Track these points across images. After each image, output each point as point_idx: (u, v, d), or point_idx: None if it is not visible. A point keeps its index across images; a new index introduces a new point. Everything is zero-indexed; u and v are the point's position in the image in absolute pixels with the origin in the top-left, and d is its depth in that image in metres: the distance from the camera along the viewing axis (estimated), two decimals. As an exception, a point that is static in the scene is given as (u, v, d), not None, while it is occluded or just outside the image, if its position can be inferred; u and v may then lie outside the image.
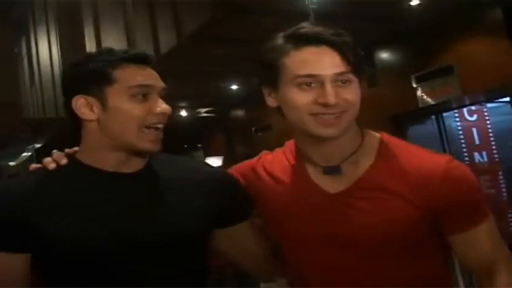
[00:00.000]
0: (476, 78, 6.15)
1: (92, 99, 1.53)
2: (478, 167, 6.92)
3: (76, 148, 1.64)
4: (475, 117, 7.07)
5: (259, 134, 9.37)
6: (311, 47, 1.44)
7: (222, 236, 1.70)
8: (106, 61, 1.53)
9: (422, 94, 6.80)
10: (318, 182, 1.55)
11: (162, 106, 1.54)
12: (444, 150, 7.22)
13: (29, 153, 13.02)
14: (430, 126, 7.22)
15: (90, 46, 9.75)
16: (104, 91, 1.52)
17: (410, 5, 5.77)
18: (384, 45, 7.25)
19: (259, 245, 1.76)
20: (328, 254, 1.53)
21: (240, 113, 10.62)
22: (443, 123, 7.13)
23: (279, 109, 1.55)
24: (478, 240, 1.49)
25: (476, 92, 6.35)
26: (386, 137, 1.57)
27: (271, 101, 1.55)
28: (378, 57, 7.39)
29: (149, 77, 1.55)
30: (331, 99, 1.40)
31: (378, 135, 1.57)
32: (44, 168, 1.59)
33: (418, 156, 1.50)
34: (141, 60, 1.56)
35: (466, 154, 7.05)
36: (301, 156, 1.60)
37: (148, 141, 1.53)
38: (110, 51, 1.59)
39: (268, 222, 1.67)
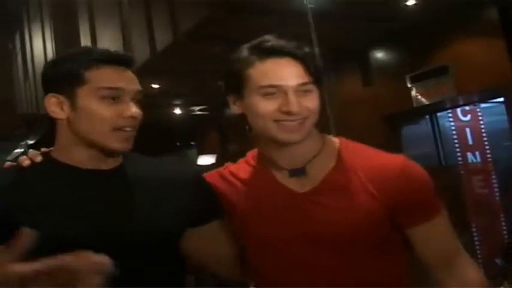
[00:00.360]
0: (471, 78, 6.20)
1: (62, 98, 1.53)
2: (471, 167, 6.96)
3: (48, 150, 1.64)
4: (468, 117, 7.10)
5: (252, 132, 9.37)
6: (275, 59, 1.52)
7: (192, 236, 1.69)
8: (79, 61, 1.53)
9: (417, 94, 6.84)
10: (285, 183, 1.62)
11: (132, 110, 1.53)
12: (437, 150, 7.27)
13: (22, 150, 13.01)
14: (424, 126, 7.27)
15: (85, 43, 9.74)
16: (75, 91, 1.52)
17: (406, 4, 5.81)
18: (380, 44, 7.29)
19: (228, 246, 1.77)
20: (298, 253, 1.57)
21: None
22: (437, 123, 7.18)
23: (242, 116, 1.62)
24: (434, 233, 1.57)
25: (470, 92, 6.40)
26: (345, 140, 1.66)
27: (235, 109, 1.62)
28: (373, 56, 7.43)
29: (122, 79, 1.54)
30: (294, 108, 1.48)
31: (337, 139, 1.66)
32: (18, 166, 1.58)
33: (376, 156, 1.60)
34: (117, 61, 1.55)
35: (459, 154, 7.08)
36: (265, 162, 1.67)
37: (118, 142, 1.53)
38: (89, 51, 1.58)
39: (237, 226, 1.71)
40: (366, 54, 7.27)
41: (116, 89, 1.52)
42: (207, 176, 1.77)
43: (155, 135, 8.05)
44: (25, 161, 1.57)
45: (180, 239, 1.65)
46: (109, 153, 1.56)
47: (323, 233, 1.54)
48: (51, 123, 1.58)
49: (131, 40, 8.00)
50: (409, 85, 6.86)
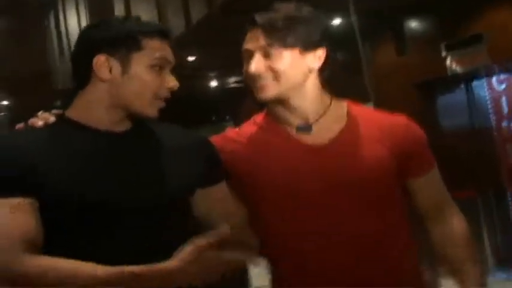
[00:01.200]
0: (506, 46, 6.15)
1: (113, 61, 1.58)
2: (505, 132, 6.92)
3: (60, 111, 1.69)
4: (504, 85, 7.03)
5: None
6: (251, 29, 1.75)
7: (202, 197, 1.76)
8: (137, 27, 1.60)
9: (452, 63, 6.79)
10: (299, 138, 1.77)
11: (174, 82, 1.64)
12: (472, 119, 7.23)
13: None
14: (458, 95, 7.20)
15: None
16: (130, 56, 1.58)
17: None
18: (414, 13, 7.24)
19: (236, 206, 1.82)
20: (320, 201, 1.70)
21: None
22: (473, 92, 7.12)
23: None
24: (432, 183, 1.82)
25: (505, 61, 6.35)
26: (352, 102, 1.85)
27: None
28: (407, 25, 7.39)
29: (169, 51, 1.64)
30: (251, 69, 1.70)
31: (342, 100, 1.85)
32: (31, 127, 1.62)
33: (382, 114, 1.83)
34: (164, 34, 1.65)
35: (494, 123, 7.04)
36: (275, 120, 1.82)
37: (154, 110, 1.62)
38: (138, 19, 1.67)
39: (247, 184, 1.80)
40: (400, 23, 7.23)
41: (165, 59, 1.61)
42: (215, 138, 1.88)
43: (190, 108, 8.14)
44: (38, 122, 1.62)
45: (187, 199, 1.72)
46: (134, 117, 1.64)
47: (341, 181, 1.69)
48: (80, 81, 1.62)
49: (166, 13, 8.07)
50: (443, 54, 6.82)
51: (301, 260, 1.74)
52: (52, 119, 1.63)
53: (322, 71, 1.79)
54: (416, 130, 1.80)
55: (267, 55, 1.70)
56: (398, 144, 1.72)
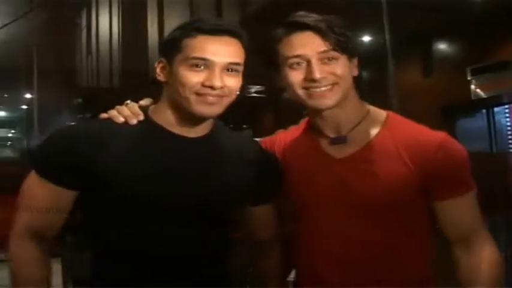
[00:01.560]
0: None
1: (165, 63, 1.65)
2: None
3: (148, 101, 1.75)
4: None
5: (309, 117, 9.41)
6: (298, 33, 1.63)
7: (253, 214, 1.81)
8: (182, 30, 1.64)
9: (476, 87, 6.88)
10: (327, 150, 1.73)
11: (213, 80, 1.59)
12: (491, 145, 7.29)
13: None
14: (479, 120, 7.26)
15: (152, 21, 10.00)
16: (173, 58, 1.63)
17: (474, -3, 5.89)
18: (443, 35, 7.36)
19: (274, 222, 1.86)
20: (332, 216, 1.70)
21: (290, 95, 10.62)
22: (493, 118, 7.18)
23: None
24: (461, 209, 1.65)
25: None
26: (394, 114, 1.74)
27: (279, 83, 1.73)
28: (435, 47, 7.49)
29: (213, 50, 1.60)
30: (316, 74, 1.59)
31: (384, 111, 1.74)
32: (112, 120, 1.68)
33: (420, 130, 1.68)
34: (218, 32, 1.62)
35: (512, 151, 7.11)
36: (312, 129, 1.79)
37: (199, 106, 1.61)
38: (195, 20, 1.67)
39: (286, 191, 1.83)
40: (429, 45, 7.32)
41: (203, 59, 1.59)
42: (262, 142, 1.89)
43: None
44: (119, 118, 1.67)
45: (237, 213, 1.78)
46: (195, 118, 1.64)
47: (356, 197, 1.66)
48: (159, 85, 1.70)
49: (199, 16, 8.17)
50: (468, 78, 6.92)
51: (317, 275, 1.77)
52: (134, 121, 1.67)
53: (356, 80, 1.75)
54: (451, 150, 1.64)
55: (325, 61, 1.63)
56: (426, 164, 1.62)
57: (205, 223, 1.67)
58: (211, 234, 1.69)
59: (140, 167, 1.59)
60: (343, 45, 1.63)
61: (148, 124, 1.66)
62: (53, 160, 1.58)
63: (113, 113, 1.68)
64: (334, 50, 1.62)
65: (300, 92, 1.63)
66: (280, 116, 11.43)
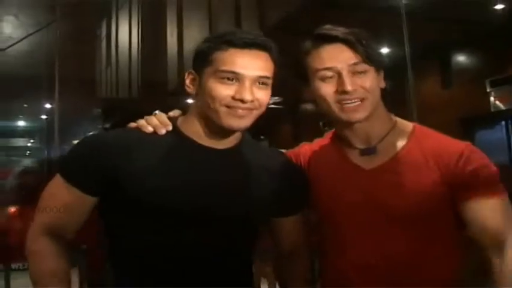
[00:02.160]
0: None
1: (195, 75, 1.67)
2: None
3: (177, 112, 1.76)
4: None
5: (326, 128, 9.41)
6: (327, 45, 1.64)
7: (279, 225, 1.83)
8: (212, 43, 1.65)
9: (495, 99, 6.87)
10: (356, 161, 1.75)
11: (243, 94, 1.59)
12: (510, 158, 7.26)
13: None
14: (499, 132, 7.25)
15: (172, 32, 10.07)
16: (203, 70, 1.64)
17: (494, 8, 5.90)
18: (463, 47, 7.36)
19: (300, 233, 1.87)
20: (359, 226, 1.71)
21: (309, 106, 10.73)
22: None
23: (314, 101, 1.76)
24: (488, 211, 1.63)
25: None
26: (419, 125, 1.76)
27: (307, 95, 1.75)
28: (455, 59, 7.50)
29: (243, 64, 1.60)
30: (348, 87, 1.60)
31: (410, 123, 1.76)
32: (137, 128, 1.70)
33: (445, 140, 1.69)
34: (242, 45, 1.63)
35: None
36: (339, 141, 1.80)
37: (228, 119, 1.61)
38: (226, 33, 1.67)
39: (313, 202, 1.84)
40: (449, 56, 7.32)
41: (233, 72, 1.60)
42: (288, 154, 1.90)
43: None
44: (148, 128, 1.69)
45: (261, 225, 1.79)
46: (223, 130, 1.65)
47: (384, 208, 1.67)
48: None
49: (218, 30, 8.24)
50: (488, 89, 6.91)
51: (344, 285, 1.78)
52: (163, 131, 1.70)
53: (383, 93, 1.74)
54: (473, 157, 1.65)
55: (356, 73, 1.63)
56: (451, 171, 1.64)
57: (231, 235, 1.67)
58: (236, 246, 1.71)
59: (166, 178, 1.61)
60: (372, 58, 1.65)
61: (176, 135, 1.68)
62: (79, 165, 1.62)
63: (142, 122, 1.71)
64: (364, 62, 1.63)
65: (333, 106, 1.64)
66: (297, 127, 11.43)
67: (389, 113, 1.76)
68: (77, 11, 10.55)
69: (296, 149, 1.91)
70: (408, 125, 1.76)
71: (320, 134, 1.94)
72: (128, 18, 12.37)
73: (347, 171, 1.75)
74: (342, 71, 1.62)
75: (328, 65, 1.63)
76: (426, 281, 1.67)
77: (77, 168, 1.62)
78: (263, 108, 1.64)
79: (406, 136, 1.72)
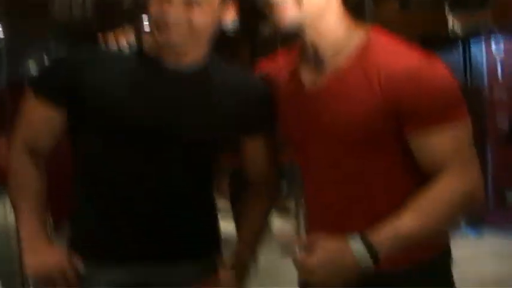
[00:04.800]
0: (511, 11, 6.18)
1: None
2: (496, 99, 7.04)
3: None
4: (502, 51, 7.10)
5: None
6: None
7: (245, 145, 1.85)
8: None
9: (453, 21, 6.84)
10: (304, 78, 1.70)
11: (168, 10, 1.61)
12: (466, 81, 7.33)
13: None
14: (456, 55, 7.29)
15: None
16: None
17: None
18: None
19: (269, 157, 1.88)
20: (311, 148, 1.70)
21: (266, 29, 10.61)
22: (469, 54, 7.21)
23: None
24: (434, 140, 1.53)
25: (508, 26, 6.40)
26: (377, 33, 1.65)
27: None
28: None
29: None
30: None
31: (367, 30, 1.66)
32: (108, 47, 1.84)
33: (401, 54, 1.59)
34: None
35: (487, 87, 7.16)
36: (299, 56, 1.75)
37: (158, 32, 1.65)
38: None
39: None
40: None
41: None
42: (262, 62, 1.88)
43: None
44: (114, 44, 1.76)
45: (223, 142, 1.83)
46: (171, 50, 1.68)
47: (325, 127, 1.64)
48: None
49: None
50: (446, 11, 6.86)
51: (306, 194, 1.83)
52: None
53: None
54: (426, 77, 1.53)
55: None
56: (395, 92, 1.52)
57: (188, 152, 1.70)
58: (194, 165, 1.73)
59: (125, 93, 1.66)
60: None
61: (139, 53, 1.73)
62: (46, 78, 1.75)
63: (108, 38, 1.74)
64: None
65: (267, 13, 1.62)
66: (256, 50, 11.32)
67: (348, 19, 1.66)
68: None
69: (267, 58, 1.89)
70: (363, 34, 1.65)
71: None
72: None
73: (293, 89, 1.71)
74: None
75: None
76: (380, 212, 1.57)
77: (44, 81, 1.75)
78: (201, 29, 1.63)
79: (357, 47, 1.61)
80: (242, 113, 1.77)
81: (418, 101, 1.52)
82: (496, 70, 7.10)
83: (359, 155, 1.62)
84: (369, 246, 1.48)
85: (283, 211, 7.04)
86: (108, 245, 1.71)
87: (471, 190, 1.55)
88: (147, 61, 1.71)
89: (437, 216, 1.53)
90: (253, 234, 1.86)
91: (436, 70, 1.57)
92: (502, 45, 7.05)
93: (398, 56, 1.58)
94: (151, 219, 1.69)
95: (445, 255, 1.74)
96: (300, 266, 1.53)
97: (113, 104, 1.65)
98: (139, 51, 1.73)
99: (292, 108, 1.72)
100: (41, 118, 1.70)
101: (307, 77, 1.69)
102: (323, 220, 1.73)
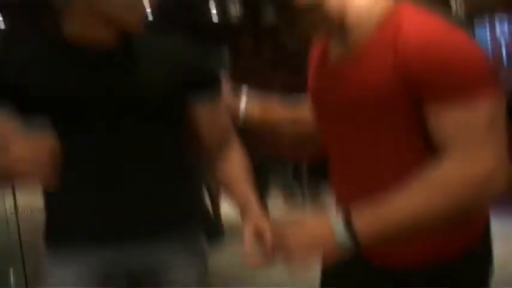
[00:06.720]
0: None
1: None
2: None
3: None
4: (506, 32, 7.08)
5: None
6: None
7: (195, 113, 1.84)
8: None
9: (457, 3, 6.81)
10: (330, 52, 1.69)
11: None
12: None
13: None
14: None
15: None
16: None
17: None
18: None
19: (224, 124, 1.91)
20: (328, 122, 1.71)
21: (269, 20, 10.56)
22: (474, 35, 7.16)
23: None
24: (443, 117, 1.43)
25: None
26: (405, 5, 1.54)
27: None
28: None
29: None
30: None
31: (392, 4, 1.56)
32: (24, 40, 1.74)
33: (421, 24, 1.47)
34: None
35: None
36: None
37: (133, 19, 1.66)
38: None
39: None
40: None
41: None
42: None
43: (188, 35, 8.07)
44: None
45: (170, 108, 1.78)
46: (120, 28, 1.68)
47: (341, 102, 1.61)
48: None
49: None
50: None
51: (331, 169, 1.80)
52: None
53: None
54: (447, 49, 1.40)
55: None
56: (413, 61, 1.42)
57: (138, 125, 1.70)
58: (148, 138, 1.73)
59: (49, 73, 1.66)
60: None
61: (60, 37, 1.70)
62: None
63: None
64: None
65: None
66: (258, 41, 11.29)
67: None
68: None
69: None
70: (387, 8, 1.54)
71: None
72: None
73: (321, 68, 1.71)
74: None
75: None
76: (388, 180, 1.50)
77: None
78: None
79: (379, 21, 1.54)
80: (181, 76, 1.76)
81: (435, 72, 1.40)
82: (501, 54, 7.05)
83: (374, 127, 1.57)
84: (352, 235, 1.44)
85: (289, 196, 7.06)
86: (83, 225, 1.71)
87: (476, 179, 1.40)
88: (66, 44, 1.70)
89: (432, 206, 1.42)
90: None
91: (462, 44, 1.42)
92: (506, 28, 7.01)
93: (421, 26, 1.46)
94: (122, 195, 1.69)
95: (475, 257, 1.61)
96: (280, 246, 1.53)
97: (47, 86, 1.66)
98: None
99: (319, 83, 1.73)
100: None
101: (335, 53, 1.67)
102: (346, 191, 1.72)
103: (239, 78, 2.25)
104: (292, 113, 2.04)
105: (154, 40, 1.80)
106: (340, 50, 1.64)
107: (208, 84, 1.83)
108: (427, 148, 1.50)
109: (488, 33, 7.11)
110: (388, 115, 1.52)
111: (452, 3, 6.80)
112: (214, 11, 10.66)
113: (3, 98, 1.64)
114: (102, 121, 1.67)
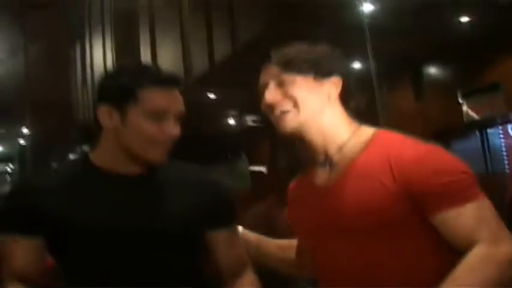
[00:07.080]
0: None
1: (113, 110, 1.65)
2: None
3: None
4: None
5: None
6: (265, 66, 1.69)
7: (212, 241, 1.84)
8: (135, 79, 1.66)
9: (468, 110, 6.91)
10: (317, 179, 1.72)
11: (174, 130, 1.65)
12: (486, 167, 7.30)
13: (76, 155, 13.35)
14: (474, 142, 7.27)
15: (145, 53, 10.01)
16: (126, 107, 1.64)
17: (460, 21, 5.94)
18: (433, 60, 7.40)
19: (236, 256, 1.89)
20: (322, 243, 1.71)
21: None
22: (487, 140, 7.19)
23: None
24: (458, 220, 1.52)
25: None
26: (383, 131, 1.65)
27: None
28: (426, 72, 7.52)
29: (169, 100, 1.66)
30: (267, 98, 1.63)
31: (373, 129, 1.67)
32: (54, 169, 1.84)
33: (408, 145, 1.58)
34: (168, 82, 1.67)
35: (508, 171, 7.10)
36: (312, 162, 1.78)
37: (158, 155, 1.67)
38: (144, 70, 1.71)
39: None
40: (419, 69, 7.36)
41: (163, 110, 1.64)
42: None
43: (206, 145, 8.20)
44: None
45: (190, 239, 1.80)
46: (145, 162, 1.70)
47: (339, 222, 1.63)
48: (97, 128, 1.70)
49: (190, 51, 8.24)
50: (460, 101, 6.95)
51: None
52: None
53: (345, 99, 1.69)
54: (435, 162, 1.53)
55: (281, 84, 1.63)
56: (409, 181, 1.52)
57: (165, 257, 1.69)
58: (170, 265, 1.72)
59: (78, 205, 1.64)
60: (297, 67, 1.63)
61: (90, 168, 1.71)
62: (11, 216, 1.67)
63: None
64: (284, 72, 1.62)
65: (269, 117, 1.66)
66: (276, 144, 11.38)
67: (352, 120, 1.69)
68: (46, 31, 10.44)
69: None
70: (369, 132, 1.66)
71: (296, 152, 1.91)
72: (101, 39, 12.33)
73: (308, 192, 1.74)
74: (269, 84, 1.62)
75: (260, 82, 1.66)
76: None
77: (10, 218, 1.68)
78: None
79: (364, 143, 1.64)
80: (200, 208, 1.75)
81: (433, 185, 1.51)
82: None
83: (379, 242, 1.60)
84: None
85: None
86: None
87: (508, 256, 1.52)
88: (99, 172, 1.73)
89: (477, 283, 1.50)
90: None
91: (444, 156, 1.56)
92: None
93: (405, 146, 1.58)
94: None
95: None
96: None
97: (81, 220, 1.65)
98: (88, 165, 1.74)
99: (306, 207, 1.75)
100: (20, 252, 1.68)
101: (320, 176, 1.71)
102: None
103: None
104: (282, 249, 2.05)
105: (176, 169, 1.81)
106: (325, 173, 1.69)
107: (225, 215, 1.84)
108: (429, 251, 1.60)
109: (501, 136, 7.13)
110: (391, 228, 1.58)
111: (463, 110, 6.90)
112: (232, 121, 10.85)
113: (37, 224, 1.66)
114: (124, 249, 1.68)
